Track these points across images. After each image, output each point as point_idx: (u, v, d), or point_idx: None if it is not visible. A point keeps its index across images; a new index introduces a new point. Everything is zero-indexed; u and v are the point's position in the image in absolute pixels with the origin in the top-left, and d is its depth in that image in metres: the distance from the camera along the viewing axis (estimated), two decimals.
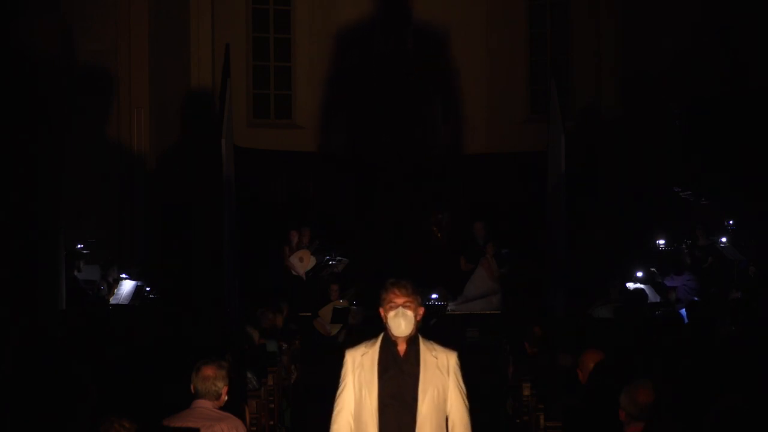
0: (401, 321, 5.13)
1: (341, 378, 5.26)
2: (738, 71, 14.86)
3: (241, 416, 6.25)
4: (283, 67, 19.10)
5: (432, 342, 5.28)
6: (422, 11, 18.63)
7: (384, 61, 18.27)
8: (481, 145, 18.86)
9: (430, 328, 13.75)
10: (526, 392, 8.70)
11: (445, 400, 5.17)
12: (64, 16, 13.35)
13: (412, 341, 5.21)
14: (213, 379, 5.79)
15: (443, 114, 18.89)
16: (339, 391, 5.26)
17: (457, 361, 5.25)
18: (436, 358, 5.20)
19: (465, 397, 5.21)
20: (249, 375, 8.59)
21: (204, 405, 5.77)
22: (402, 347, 5.21)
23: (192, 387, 5.83)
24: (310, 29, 18.93)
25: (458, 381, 5.21)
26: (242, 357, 8.58)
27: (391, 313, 5.15)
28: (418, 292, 5.20)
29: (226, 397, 5.86)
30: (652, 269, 14.44)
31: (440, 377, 5.16)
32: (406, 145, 18.05)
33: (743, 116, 14.43)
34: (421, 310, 5.18)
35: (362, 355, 5.22)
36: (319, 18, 18.86)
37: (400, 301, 5.15)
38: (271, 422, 9.12)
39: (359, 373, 5.19)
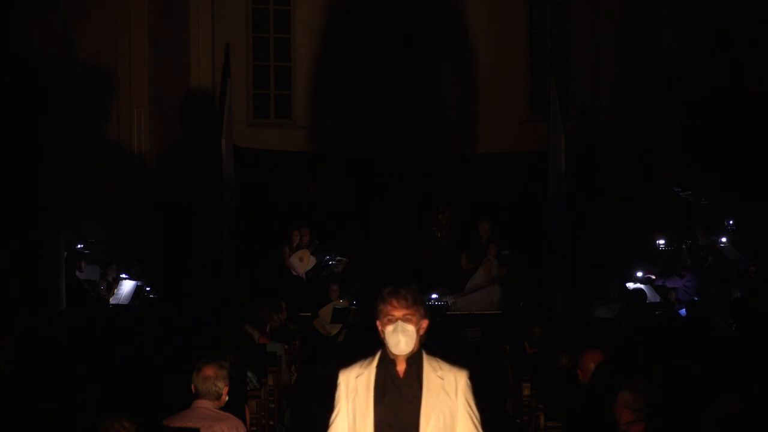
0: (401, 337, 4.42)
1: (334, 402, 4.56)
2: (737, 71, 14.86)
3: (241, 416, 6.25)
4: (283, 67, 19.10)
5: (438, 359, 4.54)
6: (422, 11, 18.63)
7: (384, 62, 18.28)
8: (481, 145, 18.86)
9: (433, 328, 13.89)
10: (526, 392, 8.70)
11: (453, 428, 4.45)
12: (64, 16, 13.35)
13: (414, 359, 4.49)
14: (213, 379, 5.80)
15: (443, 114, 18.90)
16: (332, 418, 4.56)
17: (468, 382, 4.52)
18: (442, 379, 4.46)
19: (478, 424, 4.51)
20: (249, 375, 8.60)
21: (204, 405, 5.78)
22: (401, 367, 4.48)
23: (192, 387, 5.83)
24: (310, 29, 18.93)
25: (469, 405, 4.49)
26: (242, 357, 8.57)
27: (389, 328, 4.44)
28: (420, 303, 4.50)
29: (227, 398, 5.87)
30: (652, 277, 14.44)
31: (446, 401, 4.44)
32: (406, 145, 18.07)
33: (743, 116, 14.44)
34: (425, 323, 4.50)
35: (356, 378, 4.50)
36: (319, 18, 18.85)
37: (399, 313, 4.44)
38: (271, 422, 9.12)
39: (353, 399, 4.48)
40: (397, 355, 4.48)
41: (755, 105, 14.37)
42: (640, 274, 14.37)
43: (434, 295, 15.18)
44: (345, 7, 18.64)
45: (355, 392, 4.49)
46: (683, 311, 12.62)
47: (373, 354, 4.58)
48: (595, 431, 6.13)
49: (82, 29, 15.12)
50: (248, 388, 8.34)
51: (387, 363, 4.51)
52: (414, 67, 18.44)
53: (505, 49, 18.98)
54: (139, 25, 15.90)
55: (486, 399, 10.58)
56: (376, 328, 4.52)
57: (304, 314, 14.34)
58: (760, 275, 13.71)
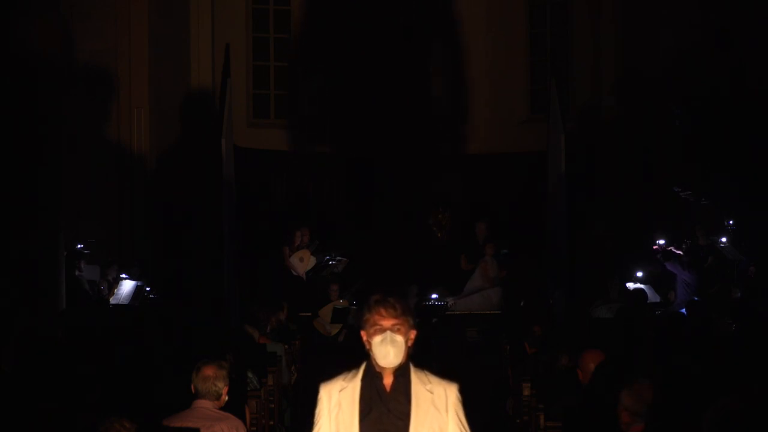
0: (389, 349, 4.17)
1: (315, 418, 4.29)
2: (737, 71, 14.86)
3: (241, 416, 6.25)
4: (283, 67, 19.10)
5: (426, 372, 4.30)
6: (422, 12, 18.64)
7: (384, 62, 18.28)
8: (481, 145, 18.86)
9: (431, 328, 13.91)
10: (526, 392, 8.70)
11: None
12: (64, 16, 13.35)
13: (401, 372, 4.23)
14: (213, 379, 5.80)
15: (443, 114, 18.91)
16: None
17: (458, 396, 4.27)
18: (432, 393, 4.23)
19: None
20: (250, 375, 8.60)
21: (204, 405, 5.78)
22: (388, 380, 4.23)
23: (192, 387, 5.83)
24: (310, 29, 18.93)
25: (460, 421, 4.25)
26: (242, 357, 8.58)
27: (377, 339, 4.18)
28: (409, 312, 4.26)
29: (227, 397, 5.87)
30: (656, 246, 14.46)
31: (436, 416, 4.21)
32: (406, 145, 18.07)
33: (743, 116, 14.44)
34: (413, 334, 4.24)
35: (340, 391, 4.24)
36: (319, 18, 18.85)
37: (387, 323, 4.18)
38: (271, 422, 9.12)
39: (336, 414, 4.22)
40: (384, 368, 4.22)
41: (755, 105, 14.37)
42: (640, 274, 14.37)
43: (434, 295, 15.18)
44: (345, 7, 18.64)
45: (338, 407, 4.23)
46: (683, 311, 12.62)
47: (357, 366, 4.31)
48: (595, 431, 6.13)
49: (82, 29, 15.12)
50: (248, 388, 8.34)
51: (373, 376, 4.24)
52: (414, 68, 18.45)
53: (505, 49, 18.98)
54: (139, 25, 15.90)
55: (486, 399, 10.58)
56: (361, 338, 4.27)
57: (304, 314, 14.35)
58: (760, 275, 13.71)
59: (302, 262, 15.68)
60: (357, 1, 18.52)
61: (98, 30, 15.49)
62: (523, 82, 19.13)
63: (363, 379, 4.25)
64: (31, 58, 11.48)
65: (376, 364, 4.23)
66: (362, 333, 4.24)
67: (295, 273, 15.63)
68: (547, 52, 18.88)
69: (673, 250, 14.26)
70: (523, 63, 19.13)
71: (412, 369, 4.27)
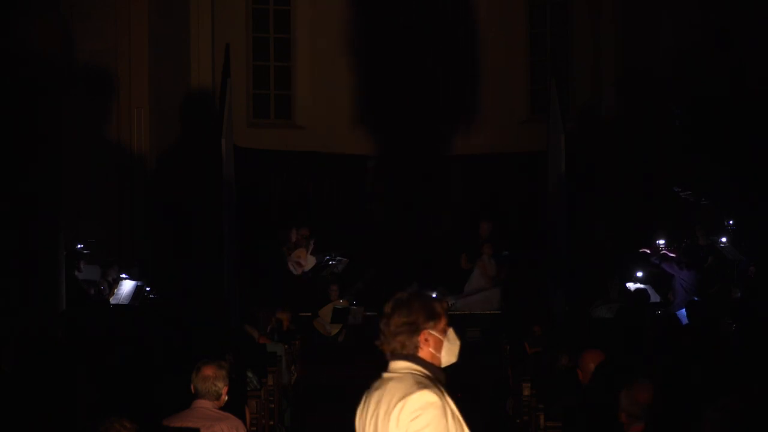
0: (459, 345, 3.89)
1: (431, 426, 3.70)
2: (737, 71, 14.85)
3: (241, 416, 6.25)
4: (283, 67, 19.10)
5: None
6: (423, 12, 18.63)
7: (384, 62, 18.29)
8: (481, 145, 18.85)
9: None
10: (526, 392, 8.71)
11: None
12: (64, 16, 13.36)
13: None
14: (213, 379, 5.80)
15: (443, 114, 18.91)
16: None
17: None
18: None
19: None
20: (250, 375, 8.60)
21: (204, 405, 5.78)
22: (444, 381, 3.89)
23: (192, 387, 5.83)
24: (310, 29, 18.93)
25: None
26: (242, 357, 8.58)
27: (451, 336, 3.85)
28: None
29: (227, 397, 5.87)
30: (647, 251, 14.46)
31: None
32: (406, 145, 18.07)
33: (743, 116, 14.44)
34: None
35: (445, 395, 3.77)
36: (319, 17, 18.85)
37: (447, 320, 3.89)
38: (271, 422, 9.12)
39: (454, 420, 3.76)
40: (444, 368, 3.86)
41: (755, 105, 14.36)
42: (640, 274, 14.37)
43: (434, 295, 15.15)
44: (345, 7, 18.64)
45: (451, 413, 3.76)
46: (683, 311, 12.61)
47: (415, 373, 3.80)
48: (595, 431, 6.13)
49: (82, 29, 15.12)
50: (248, 388, 8.34)
51: (440, 379, 3.82)
52: (414, 68, 18.45)
53: (505, 49, 18.96)
54: (139, 25, 15.90)
55: (486, 399, 10.58)
56: (414, 339, 3.78)
57: (304, 314, 14.35)
58: (760, 275, 13.71)
59: (300, 260, 15.67)
60: (357, 0, 18.52)
61: (98, 30, 15.49)
62: (523, 82, 19.11)
63: (438, 384, 3.81)
64: (31, 58, 11.48)
65: (441, 366, 3.85)
66: (426, 333, 3.79)
67: (299, 271, 15.60)
68: (547, 52, 18.86)
69: (666, 252, 14.25)
70: (523, 63, 19.11)
71: None
